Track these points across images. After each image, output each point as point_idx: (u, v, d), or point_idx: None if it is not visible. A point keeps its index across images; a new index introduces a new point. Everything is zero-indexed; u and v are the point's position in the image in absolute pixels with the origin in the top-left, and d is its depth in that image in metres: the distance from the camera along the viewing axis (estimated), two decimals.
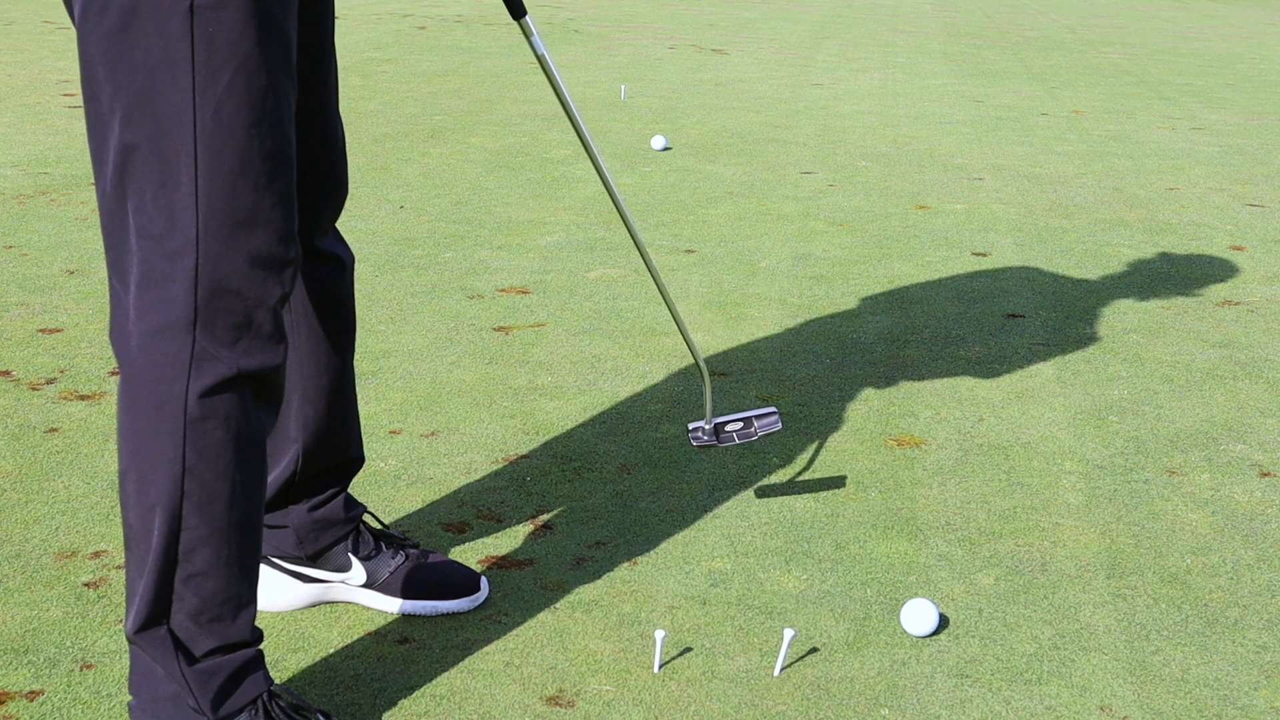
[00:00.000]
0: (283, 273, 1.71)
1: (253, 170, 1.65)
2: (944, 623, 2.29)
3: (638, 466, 2.83)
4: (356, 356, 3.23)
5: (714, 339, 3.58)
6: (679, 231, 4.58)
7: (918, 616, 2.24)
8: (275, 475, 2.13)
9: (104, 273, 3.83)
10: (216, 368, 1.69)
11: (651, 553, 2.49)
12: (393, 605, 2.25)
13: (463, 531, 2.54)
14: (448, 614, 2.26)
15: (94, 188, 4.59)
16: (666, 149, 5.84)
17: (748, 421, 2.57)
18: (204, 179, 1.63)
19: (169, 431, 1.69)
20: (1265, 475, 2.91)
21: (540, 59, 2.14)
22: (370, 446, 2.84)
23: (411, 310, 3.72)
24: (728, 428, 2.55)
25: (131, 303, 1.69)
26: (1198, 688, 2.16)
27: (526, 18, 2.11)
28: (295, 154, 1.74)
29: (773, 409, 2.61)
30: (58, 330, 3.46)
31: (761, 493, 2.66)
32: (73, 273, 3.89)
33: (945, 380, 3.36)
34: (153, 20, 1.59)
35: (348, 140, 5.57)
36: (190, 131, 1.62)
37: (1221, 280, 4.27)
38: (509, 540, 2.52)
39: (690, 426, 2.55)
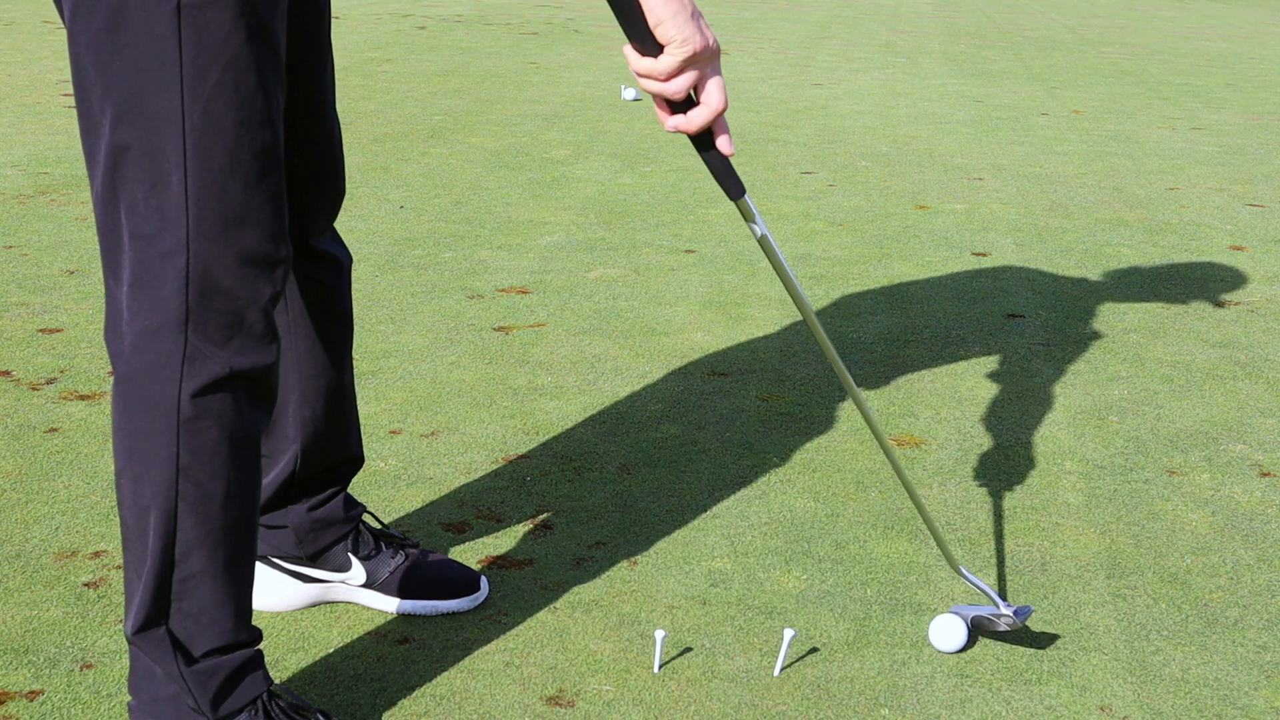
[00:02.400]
0: (274, 271, 1.71)
1: (242, 169, 1.65)
2: (972, 641, 2.26)
3: (638, 466, 2.83)
4: (356, 356, 3.23)
5: (714, 339, 3.57)
6: (679, 231, 4.58)
7: (947, 634, 2.22)
8: (274, 475, 2.13)
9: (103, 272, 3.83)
10: (209, 367, 1.69)
11: (651, 553, 2.49)
12: (392, 605, 2.25)
13: (463, 531, 2.54)
14: (448, 614, 2.26)
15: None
16: (637, 99, 5.82)
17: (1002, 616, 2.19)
18: (193, 179, 1.63)
19: (162, 431, 1.69)
20: (1265, 475, 2.91)
21: (761, 241, 1.81)
22: (370, 446, 2.84)
23: (411, 310, 3.72)
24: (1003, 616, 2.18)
25: (125, 303, 1.69)
26: (1198, 688, 2.16)
27: (746, 197, 1.77)
28: (285, 152, 1.73)
29: (1028, 609, 2.19)
30: (58, 330, 3.46)
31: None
32: (73, 273, 3.89)
33: (945, 380, 3.36)
34: (141, 20, 1.59)
35: (347, 140, 5.56)
36: (179, 131, 1.61)
37: (1221, 280, 4.27)
38: (509, 540, 2.51)
39: (994, 614, 2.15)
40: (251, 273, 1.69)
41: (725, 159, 1.71)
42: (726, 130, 1.71)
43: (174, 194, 1.63)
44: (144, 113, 1.61)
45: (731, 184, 1.73)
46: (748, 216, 1.78)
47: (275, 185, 1.69)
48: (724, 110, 1.67)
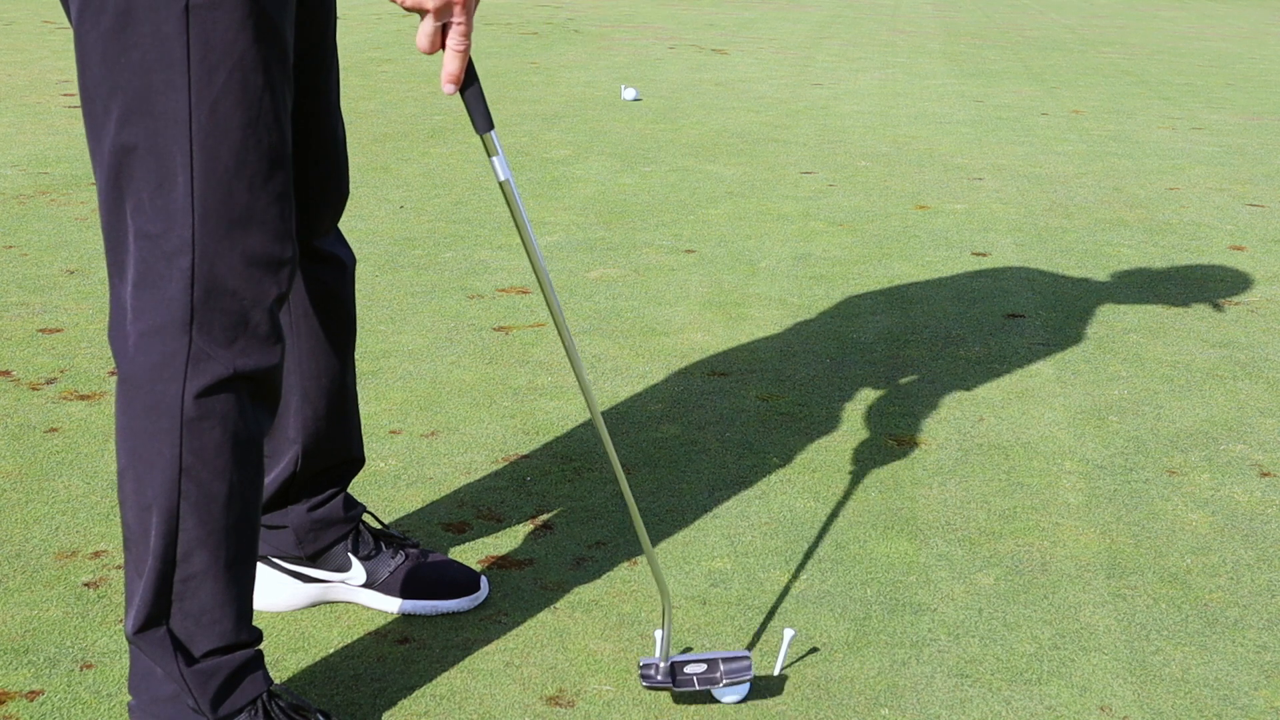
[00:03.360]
0: (279, 272, 1.71)
1: (248, 170, 1.65)
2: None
3: (638, 466, 2.83)
4: (356, 356, 3.22)
5: (714, 339, 3.57)
6: (679, 231, 4.58)
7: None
8: (274, 475, 2.13)
9: (104, 273, 3.83)
10: (213, 368, 1.69)
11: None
12: (393, 605, 2.25)
13: (463, 531, 2.54)
14: (448, 614, 2.26)
15: (95, 187, 4.57)
16: (637, 100, 5.83)
17: (713, 664, 2.06)
18: (199, 179, 1.63)
19: (165, 431, 1.69)
20: (1265, 475, 2.91)
21: (503, 185, 1.80)
22: (370, 446, 2.84)
23: (411, 310, 3.72)
24: (687, 669, 2.05)
25: (129, 302, 1.69)
26: (1198, 688, 2.16)
27: (492, 133, 1.77)
28: (291, 153, 1.73)
29: (745, 654, 2.07)
30: (58, 330, 3.46)
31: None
32: (73, 273, 3.89)
33: (945, 380, 3.36)
34: (148, 20, 1.59)
35: (348, 140, 5.57)
36: (186, 131, 1.61)
37: (1221, 280, 4.27)
38: (509, 540, 2.52)
39: (641, 663, 2.05)
40: (257, 273, 1.68)
41: (476, 92, 1.74)
42: (451, 73, 1.69)
43: (180, 194, 1.63)
44: (151, 113, 1.61)
45: (479, 118, 1.75)
46: (490, 151, 1.78)
47: (281, 186, 1.69)
48: (427, 51, 1.68)
